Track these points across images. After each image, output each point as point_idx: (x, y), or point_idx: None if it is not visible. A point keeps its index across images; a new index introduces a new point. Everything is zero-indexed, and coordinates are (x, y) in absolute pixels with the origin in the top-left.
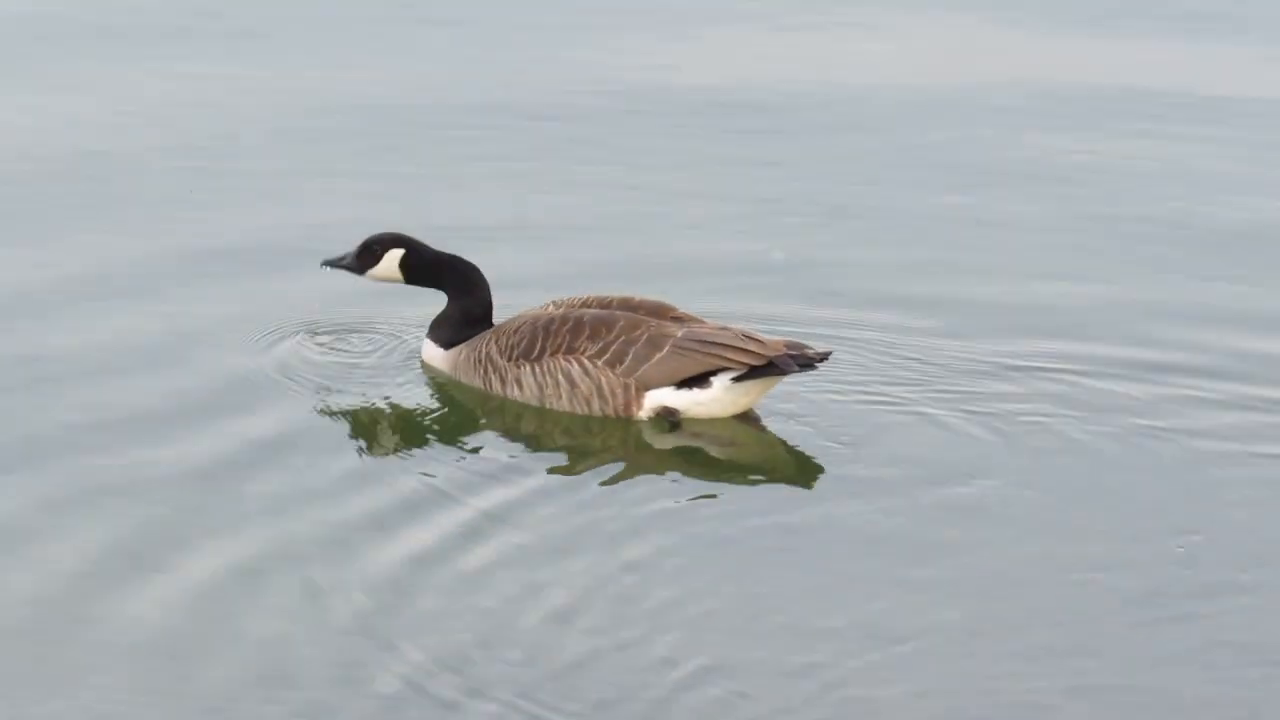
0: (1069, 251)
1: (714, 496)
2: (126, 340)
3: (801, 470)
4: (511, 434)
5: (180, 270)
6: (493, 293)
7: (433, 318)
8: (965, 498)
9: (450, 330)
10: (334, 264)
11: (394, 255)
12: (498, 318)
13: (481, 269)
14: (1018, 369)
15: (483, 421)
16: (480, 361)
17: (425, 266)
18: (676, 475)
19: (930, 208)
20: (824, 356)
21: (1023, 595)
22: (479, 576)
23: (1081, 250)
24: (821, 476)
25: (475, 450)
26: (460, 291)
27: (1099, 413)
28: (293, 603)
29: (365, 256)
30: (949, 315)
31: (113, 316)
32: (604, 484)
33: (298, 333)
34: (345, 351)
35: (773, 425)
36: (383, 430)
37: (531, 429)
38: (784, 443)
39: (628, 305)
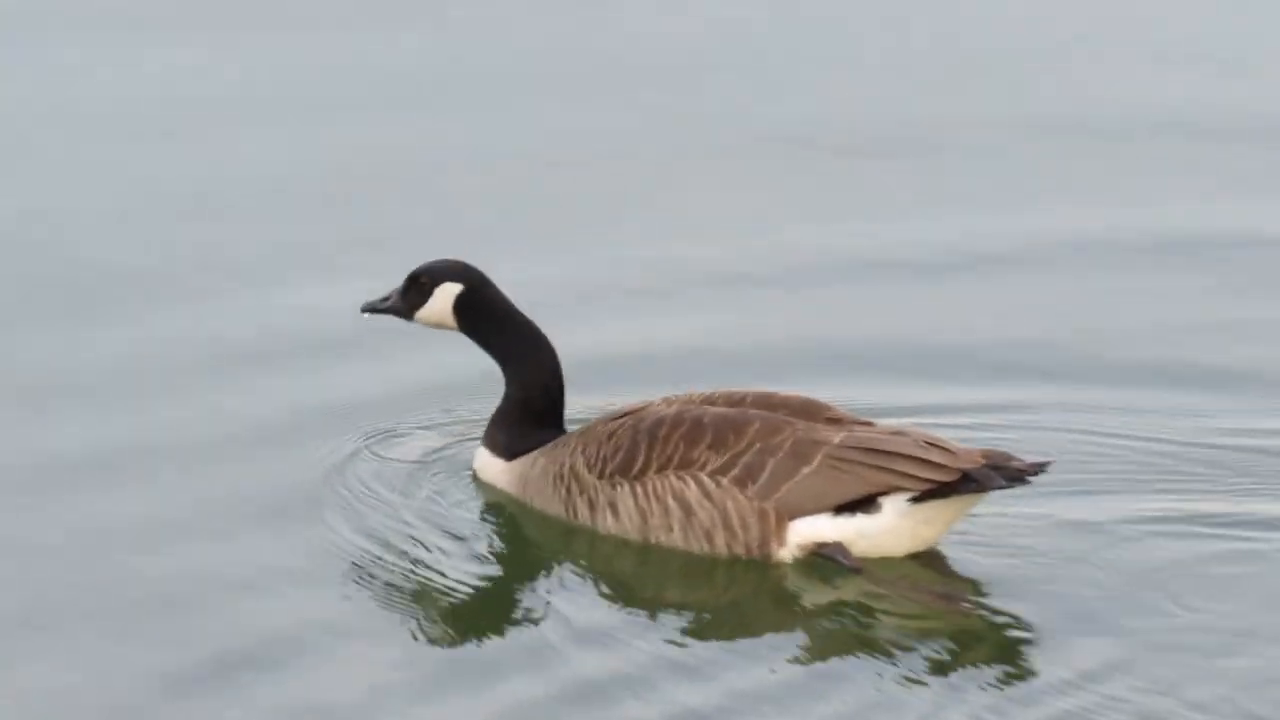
0: None
1: (892, 681)
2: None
3: (1014, 636)
4: (601, 584)
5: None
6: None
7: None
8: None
9: (511, 433)
10: (375, 309)
11: (447, 291)
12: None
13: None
14: None
15: (558, 566)
16: (561, 478)
17: (486, 316)
18: (840, 653)
19: None
20: (1038, 468)
21: None
22: None
23: None
24: (1038, 647)
25: (542, 614)
26: (518, 368)
27: None
28: None
29: (411, 294)
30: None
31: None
32: (734, 662)
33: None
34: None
35: (967, 567)
36: (417, 590)
37: (629, 575)
38: (985, 594)
39: (765, 403)
